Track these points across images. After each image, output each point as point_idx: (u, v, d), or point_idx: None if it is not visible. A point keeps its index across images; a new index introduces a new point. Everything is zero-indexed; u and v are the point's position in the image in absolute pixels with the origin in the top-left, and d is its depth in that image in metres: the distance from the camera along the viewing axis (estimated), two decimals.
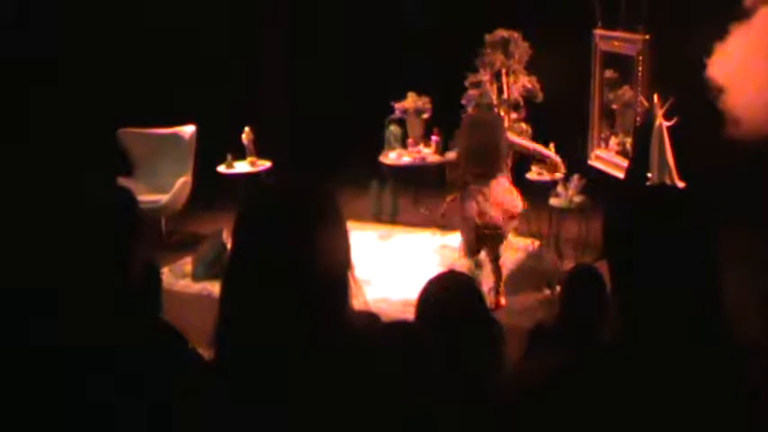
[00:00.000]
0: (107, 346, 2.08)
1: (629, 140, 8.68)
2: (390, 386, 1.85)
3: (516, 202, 7.52)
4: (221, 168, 9.71)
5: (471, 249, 7.51)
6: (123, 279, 2.20)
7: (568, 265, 7.61)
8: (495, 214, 7.31)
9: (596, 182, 8.57)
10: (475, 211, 7.29)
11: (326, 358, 1.83)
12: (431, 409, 1.89)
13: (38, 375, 2.07)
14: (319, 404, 1.81)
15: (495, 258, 7.57)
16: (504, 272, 8.14)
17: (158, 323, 2.37)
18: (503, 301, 7.61)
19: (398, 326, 2.02)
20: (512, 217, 7.48)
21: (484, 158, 7.50)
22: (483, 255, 7.57)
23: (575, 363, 1.88)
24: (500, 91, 9.49)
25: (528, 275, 8.36)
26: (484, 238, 7.43)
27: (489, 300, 7.40)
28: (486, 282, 7.50)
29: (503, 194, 7.40)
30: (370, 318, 1.99)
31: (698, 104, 7.42)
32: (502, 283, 7.64)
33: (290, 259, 1.86)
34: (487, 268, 7.62)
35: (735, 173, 8.11)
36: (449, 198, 8.12)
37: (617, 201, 1.98)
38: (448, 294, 2.76)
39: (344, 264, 1.93)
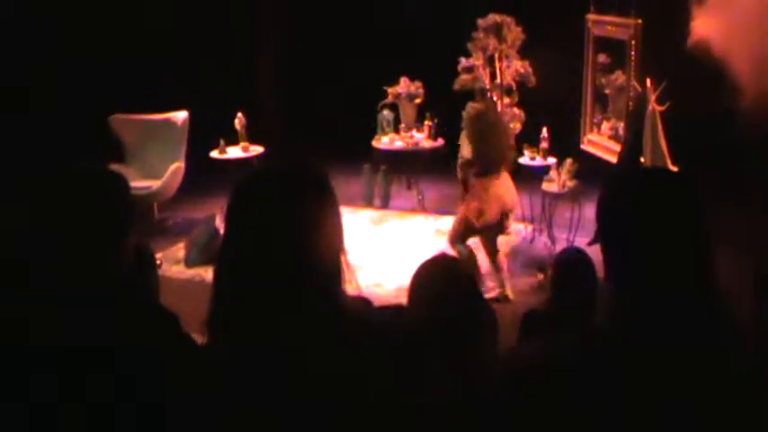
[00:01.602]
0: (100, 330, 2.08)
1: (621, 125, 8.68)
2: (383, 369, 1.85)
3: (514, 198, 7.54)
4: (214, 154, 9.70)
5: (461, 238, 7.51)
6: (116, 263, 2.19)
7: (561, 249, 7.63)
8: (492, 213, 7.34)
9: (589, 166, 8.58)
10: (474, 212, 7.32)
11: (319, 343, 1.84)
12: (424, 391, 1.90)
13: (32, 362, 2.07)
14: (312, 389, 1.82)
15: (493, 253, 7.58)
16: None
17: (150, 306, 2.37)
18: (509, 293, 7.58)
19: (391, 309, 2.03)
20: (508, 213, 7.49)
21: (494, 152, 7.54)
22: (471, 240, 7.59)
23: (568, 345, 1.89)
24: (493, 75, 9.48)
25: (521, 260, 8.38)
26: (478, 232, 7.49)
27: (494, 291, 7.43)
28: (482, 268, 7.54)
29: (504, 190, 7.44)
30: (363, 303, 1.99)
31: (691, 88, 7.42)
32: (505, 276, 7.61)
33: (282, 243, 1.85)
34: (482, 252, 7.64)
35: (727, 155, 8.13)
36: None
37: (611, 183, 1.98)
38: (440, 278, 2.77)
39: (337, 248, 1.93)
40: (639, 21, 8.12)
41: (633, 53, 8.24)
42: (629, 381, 1.77)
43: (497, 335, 2.76)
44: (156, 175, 9.30)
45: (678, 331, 1.78)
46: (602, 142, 9.10)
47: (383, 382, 1.84)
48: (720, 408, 1.77)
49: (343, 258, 1.94)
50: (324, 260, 1.88)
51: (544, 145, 8.93)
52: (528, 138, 9.18)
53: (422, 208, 9.99)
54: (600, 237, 1.91)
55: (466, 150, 7.71)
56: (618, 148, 8.47)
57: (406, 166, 10.40)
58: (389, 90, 10.09)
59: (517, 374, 1.88)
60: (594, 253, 2.18)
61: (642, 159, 7.52)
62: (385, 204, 10.24)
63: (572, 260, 4.11)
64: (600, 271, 2.03)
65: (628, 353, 1.79)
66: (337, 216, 1.95)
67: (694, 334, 1.79)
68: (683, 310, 1.79)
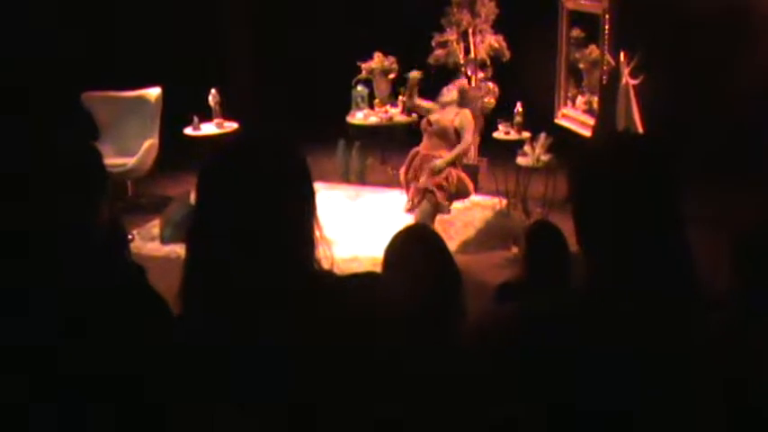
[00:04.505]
0: (75, 295, 2.08)
1: (595, 99, 8.72)
2: (359, 336, 1.86)
3: None
4: (188, 130, 9.66)
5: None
6: (89, 234, 2.19)
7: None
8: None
9: (563, 140, 8.61)
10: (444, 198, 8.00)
11: (293, 312, 1.85)
12: (400, 357, 1.91)
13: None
14: (287, 358, 1.83)
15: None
16: (472, 230, 8.36)
17: (117, 260, 2.38)
18: None
19: (364, 277, 2.04)
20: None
21: None
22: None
23: (539, 307, 1.90)
24: (467, 50, 9.49)
25: (495, 234, 8.42)
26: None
27: None
28: None
29: None
30: (334, 275, 1.99)
31: (664, 62, 7.46)
32: None
33: (253, 216, 1.86)
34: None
35: (699, 131, 8.19)
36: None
37: (583, 149, 2.01)
38: (414, 245, 2.80)
39: (310, 221, 1.93)
40: None
41: (607, 27, 8.26)
42: (598, 341, 1.79)
43: (464, 298, 2.79)
44: (131, 153, 9.25)
45: (646, 294, 1.80)
46: (576, 116, 9.14)
47: (359, 349, 1.85)
48: (688, 375, 1.80)
49: (317, 232, 1.95)
50: (296, 232, 1.89)
51: (518, 119, 8.97)
52: (502, 112, 9.21)
53: (397, 183, 10.00)
54: (571, 201, 1.93)
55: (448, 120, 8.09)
56: (592, 121, 8.50)
57: (381, 141, 10.40)
58: (363, 65, 10.08)
59: (490, 335, 1.90)
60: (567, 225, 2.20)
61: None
62: (360, 180, 10.24)
63: (542, 232, 4.14)
64: (572, 243, 2.04)
65: (597, 314, 1.81)
66: (310, 189, 1.95)
67: (662, 297, 1.81)
68: (652, 273, 1.81)
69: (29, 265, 2.09)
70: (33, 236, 2.10)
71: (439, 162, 7.93)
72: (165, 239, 8.33)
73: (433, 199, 7.86)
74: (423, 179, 7.95)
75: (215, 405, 1.85)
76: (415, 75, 8.60)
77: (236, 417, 1.85)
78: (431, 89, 8.67)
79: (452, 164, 8.00)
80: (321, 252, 1.96)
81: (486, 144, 9.03)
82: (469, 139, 8.10)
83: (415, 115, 9.53)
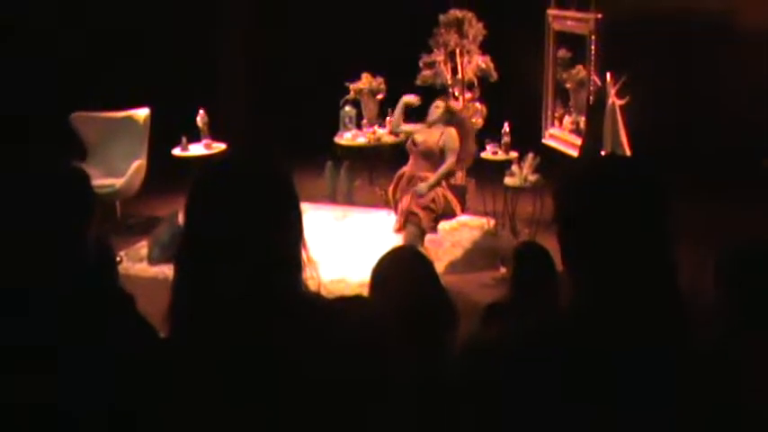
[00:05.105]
0: (64, 323, 2.08)
1: (582, 119, 8.75)
2: (346, 357, 1.87)
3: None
4: (176, 151, 9.65)
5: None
6: (76, 256, 2.19)
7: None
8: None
9: (551, 160, 8.64)
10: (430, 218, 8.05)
11: (280, 333, 1.85)
12: (386, 379, 1.92)
13: None
14: (274, 378, 1.83)
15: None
16: (460, 250, 8.38)
17: (107, 288, 2.38)
18: None
19: (352, 300, 2.04)
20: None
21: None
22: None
23: (524, 331, 1.91)
24: (454, 71, 9.52)
25: (483, 254, 8.42)
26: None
27: None
28: None
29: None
30: (321, 297, 2.00)
31: (650, 83, 7.51)
32: None
33: (240, 237, 1.87)
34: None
35: (685, 149, 8.25)
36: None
37: (568, 167, 2.01)
38: (401, 267, 2.81)
39: (297, 242, 1.94)
40: (599, 15, 8.19)
41: (593, 47, 8.30)
42: (582, 365, 1.79)
43: (458, 324, 2.79)
44: (119, 173, 9.24)
45: (632, 316, 1.81)
46: (563, 136, 9.17)
47: (345, 369, 1.85)
48: (675, 394, 1.80)
49: (304, 253, 1.95)
50: (283, 253, 1.90)
51: (506, 139, 8.99)
52: (490, 133, 9.23)
53: (385, 203, 10.00)
54: (556, 219, 1.93)
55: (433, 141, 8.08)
56: (579, 141, 8.54)
57: (369, 161, 10.40)
58: (351, 86, 10.09)
59: (474, 358, 1.90)
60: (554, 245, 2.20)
61: (603, 153, 7.59)
62: (348, 200, 10.23)
63: (529, 252, 4.16)
64: (559, 263, 2.05)
65: (582, 336, 1.82)
66: (296, 209, 1.96)
67: (647, 318, 1.82)
68: (637, 295, 1.82)
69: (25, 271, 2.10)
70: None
71: (422, 186, 7.93)
72: (153, 260, 8.32)
73: (416, 221, 7.85)
74: (406, 201, 7.93)
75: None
76: (410, 100, 8.62)
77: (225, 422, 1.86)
78: (417, 110, 8.70)
79: (438, 185, 8.00)
80: (308, 273, 1.96)
81: (474, 164, 9.05)
82: (453, 159, 8.08)
83: (402, 135, 9.55)
